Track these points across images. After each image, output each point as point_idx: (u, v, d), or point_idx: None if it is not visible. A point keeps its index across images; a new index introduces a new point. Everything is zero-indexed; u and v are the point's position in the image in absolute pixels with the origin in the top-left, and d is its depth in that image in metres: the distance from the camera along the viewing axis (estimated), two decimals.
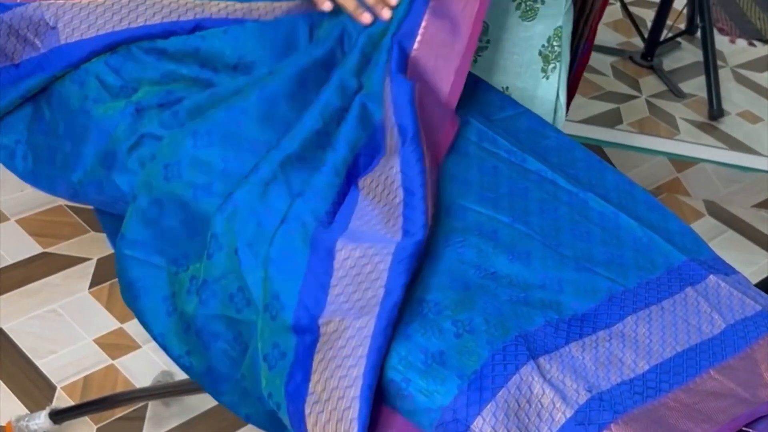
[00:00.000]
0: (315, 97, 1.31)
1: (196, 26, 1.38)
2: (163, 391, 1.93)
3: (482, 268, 1.20)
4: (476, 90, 1.49)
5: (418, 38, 1.37)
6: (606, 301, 1.20)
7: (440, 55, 1.36)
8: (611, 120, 3.32)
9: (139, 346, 2.28)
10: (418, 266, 1.17)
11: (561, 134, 1.45)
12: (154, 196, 1.28)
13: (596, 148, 3.14)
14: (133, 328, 2.32)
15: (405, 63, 1.36)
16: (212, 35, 1.37)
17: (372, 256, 1.15)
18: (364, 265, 1.15)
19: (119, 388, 2.18)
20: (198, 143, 1.27)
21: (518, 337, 1.11)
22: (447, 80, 1.36)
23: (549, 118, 1.61)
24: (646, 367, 1.14)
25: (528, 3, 1.47)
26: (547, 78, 1.55)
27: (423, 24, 1.36)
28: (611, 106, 3.40)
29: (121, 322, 2.33)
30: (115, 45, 1.36)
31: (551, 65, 1.55)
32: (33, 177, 1.43)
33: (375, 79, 1.33)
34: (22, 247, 2.47)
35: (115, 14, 1.38)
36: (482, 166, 1.35)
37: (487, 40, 1.50)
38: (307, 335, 1.14)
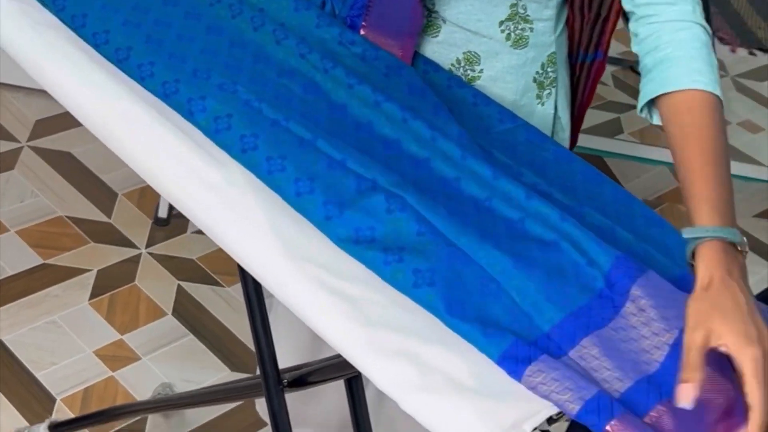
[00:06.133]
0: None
1: None
2: (163, 404, 1.92)
3: None
4: (476, 104, 1.49)
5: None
6: None
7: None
8: (612, 130, 3.34)
9: (139, 358, 2.29)
10: None
11: (560, 147, 1.45)
12: None
13: (597, 158, 3.15)
14: (133, 339, 2.33)
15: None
16: None
17: None
18: None
19: (119, 400, 2.19)
20: (419, 280, 1.18)
21: None
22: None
23: None
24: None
25: (517, 32, 1.49)
26: (543, 104, 1.56)
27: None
28: (612, 115, 3.41)
29: (121, 333, 2.34)
30: None
31: (546, 91, 1.56)
32: None
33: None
34: (22, 258, 2.47)
35: None
36: None
37: (480, 69, 1.52)
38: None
